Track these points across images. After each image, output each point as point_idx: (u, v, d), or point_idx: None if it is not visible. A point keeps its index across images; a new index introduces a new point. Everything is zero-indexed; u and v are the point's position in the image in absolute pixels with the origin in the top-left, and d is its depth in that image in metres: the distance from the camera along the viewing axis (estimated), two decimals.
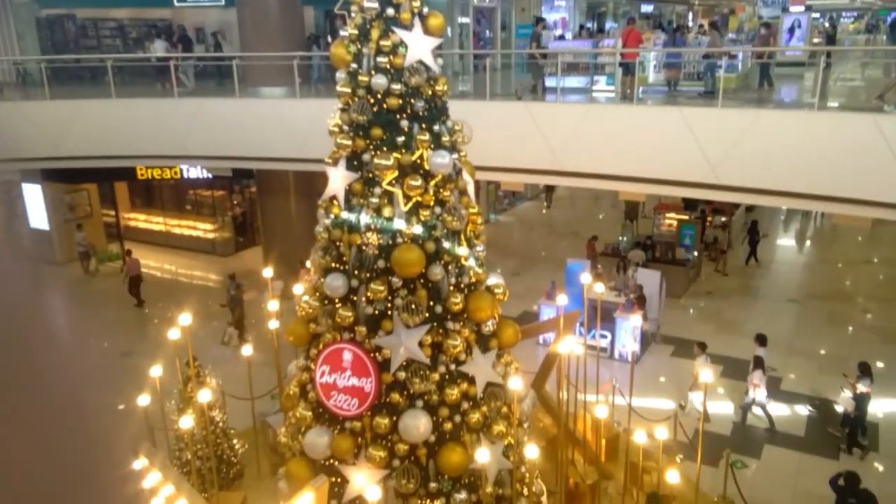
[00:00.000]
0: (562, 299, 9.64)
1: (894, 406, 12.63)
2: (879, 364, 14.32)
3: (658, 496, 6.74)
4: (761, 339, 12.38)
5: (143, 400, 8.50)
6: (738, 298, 18.25)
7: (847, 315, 17.02)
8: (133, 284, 18.39)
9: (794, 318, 16.90)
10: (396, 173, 7.08)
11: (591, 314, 11.11)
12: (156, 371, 8.48)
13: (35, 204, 21.41)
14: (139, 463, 5.96)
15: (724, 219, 22.59)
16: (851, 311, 17.30)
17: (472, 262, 7.61)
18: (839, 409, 11.59)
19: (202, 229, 23.02)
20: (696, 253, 19.79)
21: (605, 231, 22.77)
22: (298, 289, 8.87)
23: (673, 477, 7.43)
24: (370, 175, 7.16)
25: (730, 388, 13.31)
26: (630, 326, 14.34)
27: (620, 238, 20.75)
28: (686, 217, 21.71)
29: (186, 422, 7.74)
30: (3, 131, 15.75)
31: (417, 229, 7.14)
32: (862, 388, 11.06)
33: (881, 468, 10.84)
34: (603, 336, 14.47)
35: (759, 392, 11.68)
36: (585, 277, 10.31)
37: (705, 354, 12.30)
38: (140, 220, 24.23)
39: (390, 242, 7.14)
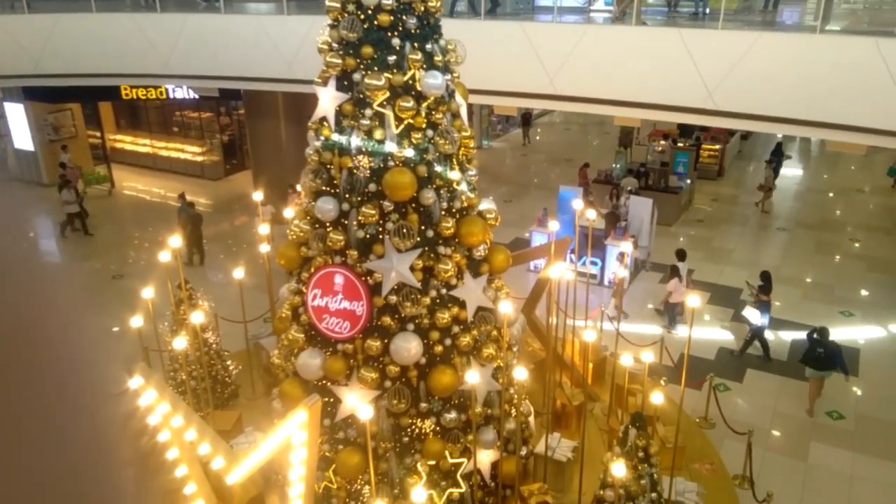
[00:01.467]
0: (553, 225, 9.64)
1: (876, 333, 12.91)
2: (864, 292, 14.57)
3: (642, 416, 6.93)
4: (681, 255, 13.31)
5: (137, 321, 8.55)
6: (728, 227, 18.33)
7: (835, 243, 17.17)
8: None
9: (783, 246, 17.04)
10: (388, 94, 6.90)
11: (582, 241, 11.15)
12: (148, 293, 8.50)
13: (18, 124, 20.94)
14: (135, 381, 6.04)
15: (717, 146, 22.43)
16: (840, 239, 17.44)
17: (463, 187, 7.54)
18: (747, 315, 12.08)
19: (190, 152, 22.67)
20: (689, 181, 19.73)
21: (599, 158, 22.61)
22: (289, 213, 8.81)
23: (657, 398, 7.62)
24: (361, 96, 6.98)
25: (716, 314, 13.53)
26: (619, 252, 14.42)
27: (614, 165, 20.61)
28: (681, 144, 21.54)
29: (180, 343, 7.81)
30: None
31: (409, 152, 7.03)
32: (763, 296, 12.01)
33: (859, 392, 11.17)
34: (593, 263, 14.57)
35: (674, 296, 12.56)
36: (577, 204, 10.28)
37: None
38: (126, 142, 23.81)
39: (381, 165, 7.04)
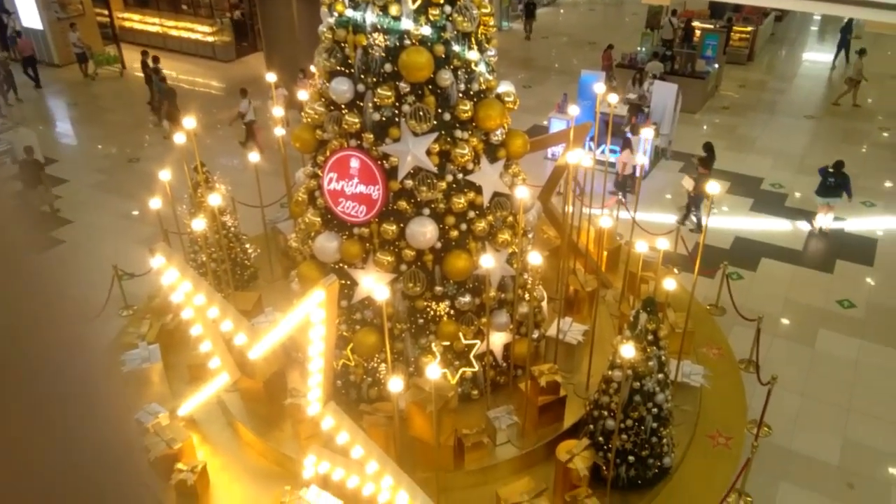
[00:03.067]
0: (573, 110, 9.37)
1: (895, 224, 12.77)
2: (888, 183, 14.29)
3: (653, 301, 7.02)
4: (634, 130, 13.91)
5: (155, 203, 8.62)
6: (755, 114, 17.78)
7: (863, 132, 16.66)
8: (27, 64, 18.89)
9: (810, 134, 16.57)
10: None
11: (603, 128, 10.88)
12: (165, 175, 8.51)
13: (24, 0, 20.31)
14: (157, 261, 6.17)
15: (750, 28, 21.35)
16: (869, 128, 16.91)
17: (482, 68, 7.29)
18: (684, 184, 12.51)
19: (201, 32, 22.00)
20: (717, 65, 18.96)
21: (625, 41, 21.66)
22: (303, 95, 8.62)
23: (669, 284, 7.69)
24: None
25: (735, 204, 13.40)
26: (640, 141, 14.12)
27: (639, 48, 19.77)
28: (710, 26, 20.53)
29: (199, 224, 7.91)
30: None
31: (426, 30, 6.75)
32: (702, 169, 12.44)
33: (872, 282, 11.20)
34: (612, 151, 14.31)
35: (629, 167, 13.03)
36: (599, 87, 9.94)
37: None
38: (135, 21, 23.10)
39: (398, 44, 6.79)
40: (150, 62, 17.41)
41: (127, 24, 23.01)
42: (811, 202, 13.39)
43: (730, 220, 12.87)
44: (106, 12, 21.41)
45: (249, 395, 7.81)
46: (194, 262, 9.33)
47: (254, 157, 9.69)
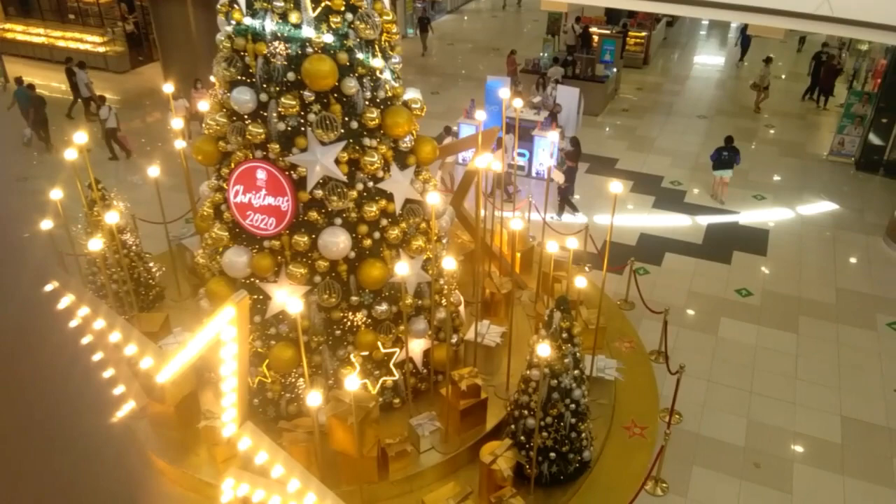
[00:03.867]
0: (480, 115, 9.50)
1: (785, 215, 13.65)
2: (776, 176, 15.26)
3: (566, 299, 7.20)
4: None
5: (46, 224, 8.10)
6: (652, 116, 18.60)
7: (752, 130, 17.73)
8: None
9: (703, 133, 17.48)
10: None
11: (510, 132, 11.10)
12: (56, 194, 8.01)
13: None
14: (49, 285, 5.78)
15: (644, 33, 22.35)
16: (756, 126, 18.01)
17: (387, 76, 7.27)
18: (554, 177, 12.79)
19: (91, 42, 20.93)
20: (615, 69, 19.71)
21: (528, 47, 22.20)
22: (204, 106, 8.33)
23: (580, 282, 7.91)
24: None
25: (638, 202, 13.95)
26: (547, 143, 14.49)
27: (541, 53, 20.31)
28: (607, 31, 21.34)
29: (96, 244, 7.48)
30: None
31: (328, 38, 6.67)
32: (569, 162, 13.18)
33: (767, 271, 11.91)
34: (521, 154, 14.60)
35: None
36: (504, 93, 10.13)
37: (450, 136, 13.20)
38: (17, 32, 21.72)
39: (300, 52, 6.68)
40: (74, 68, 17.26)
41: (9, 34, 21.60)
42: (709, 197, 14.12)
43: (634, 218, 13.38)
44: None
45: (160, 421, 7.45)
46: (93, 284, 8.84)
47: (153, 171, 9.27)
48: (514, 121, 10.30)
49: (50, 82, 20.04)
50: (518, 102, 10.24)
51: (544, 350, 6.53)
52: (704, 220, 13.33)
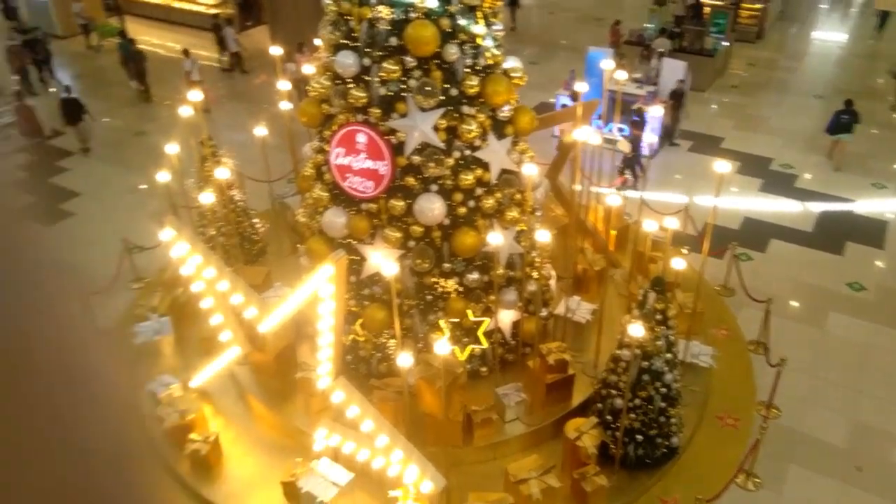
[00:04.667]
0: (580, 87, 9.26)
1: None
2: None
3: (662, 280, 7.00)
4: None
5: (163, 177, 8.57)
6: (764, 94, 17.60)
7: (873, 112, 16.46)
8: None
9: (820, 115, 16.38)
10: None
11: (610, 105, 10.76)
12: (172, 149, 8.45)
13: None
14: (167, 234, 6.14)
15: (759, 5, 21.06)
16: (880, 108, 16.72)
17: (488, 43, 7.19)
18: (620, 150, 12.71)
19: (204, 4, 21.77)
20: (726, 43, 18.72)
21: (633, 17, 21.38)
22: (308, 69, 8.53)
23: (678, 264, 7.66)
24: None
25: (744, 184, 13.31)
26: (650, 119, 13.99)
27: (647, 25, 19.52)
28: (720, 2, 20.23)
29: (207, 198, 7.87)
30: None
31: (431, 3, 6.65)
32: (636, 131, 13.07)
33: (883, 265, 11.15)
34: (620, 129, 14.19)
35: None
36: (607, 64, 9.82)
37: None
38: None
39: (403, 17, 6.70)
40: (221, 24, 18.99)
41: None
42: (823, 183, 13.29)
43: (739, 201, 12.79)
44: None
45: (261, 369, 7.84)
46: (203, 236, 9.31)
47: (260, 131, 9.58)
48: (616, 94, 9.99)
49: (165, 42, 21.05)
50: (621, 74, 9.91)
51: (637, 330, 6.39)
52: (816, 207, 12.58)
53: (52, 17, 20.56)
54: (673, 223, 8.21)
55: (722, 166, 7.70)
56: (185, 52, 16.36)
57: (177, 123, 9.80)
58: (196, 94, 8.29)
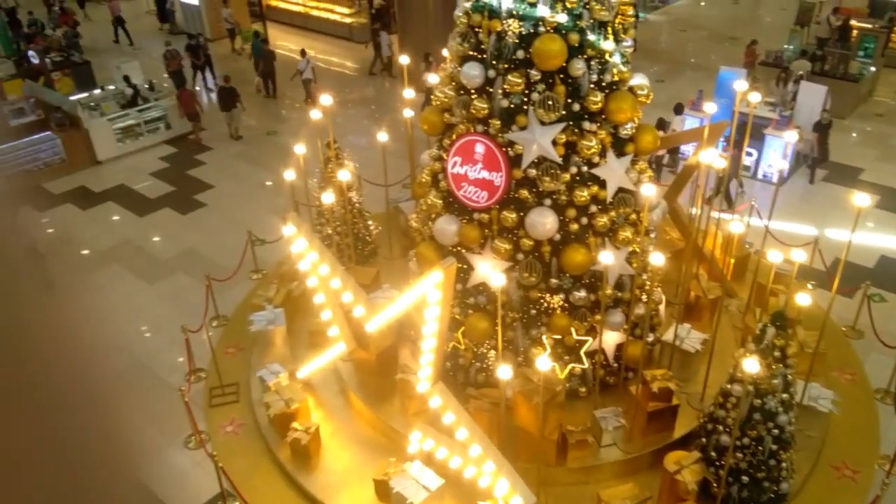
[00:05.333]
0: (710, 107, 8.92)
1: None
2: None
3: (783, 315, 6.60)
4: (677, 109, 14.46)
5: (289, 175, 9.04)
6: None
7: None
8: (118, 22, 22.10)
9: None
10: None
11: (739, 128, 10.29)
12: (300, 149, 8.90)
13: None
14: (288, 229, 6.48)
15: None
16: None
17: (616, 59, 7.09)
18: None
19: (339, 13, 22.79)
20: (873, 68, 17.44)
21: (771, 38, 20.36)
22: (434, 78, 8.73)
23: (803, 299, 7.20)
24: None
25: (883, 220, 12.34)
26: (781, 144, 13.26)
27: (786, 45, 18.53)
28: (868, 26, 18.89)
29: (328, 198, 8.23)
30: None
31: (562, 17, 6.64)
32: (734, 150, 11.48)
33: None
34: (748, 153, 13.55)
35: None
36: (740, 85, 9.40)
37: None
38: (280, 0, 24.26)
39: (532, 31, 6.72)
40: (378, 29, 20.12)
41: (273, 2, 24.21)
42: None
43: (875, 237, 11.87)
44: None
45: (363, 367, 8.08)
46: (320, 233, 9.73)
47: (381, 136, 9.92)
48: (748, 116, 9.52)
49: (301, 46, 22.19)
50: (755, 97, 9.46)
51: (751, 366, 6.06)
52: None
53: (203, 20, 22.21)
54: (800, 255, 7.73)
55: (861, 199, 7.18)
56: (302, 52, 17.72)
57: (305, 125, 10.32)
58: (326, 98, 8.69)
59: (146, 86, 17.48)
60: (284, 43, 22.54)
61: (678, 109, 14.45)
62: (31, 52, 19.45)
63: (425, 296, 5.99)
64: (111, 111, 16.80)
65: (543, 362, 6.02)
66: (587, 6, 6.68)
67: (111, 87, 17.55)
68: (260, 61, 18.26)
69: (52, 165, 15.95)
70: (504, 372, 6.12)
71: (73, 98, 17.22)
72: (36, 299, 0.65)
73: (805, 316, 8.34)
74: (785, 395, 6.56)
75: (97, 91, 17.74)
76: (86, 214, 14.61)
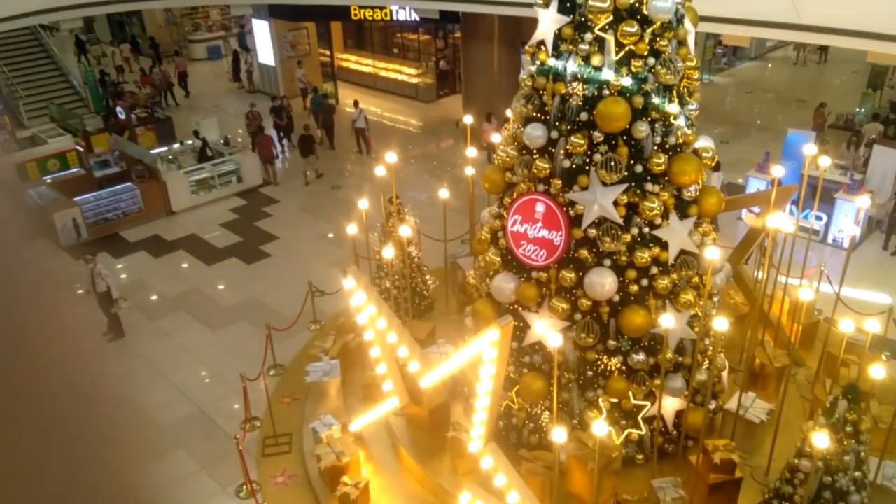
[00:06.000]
0: (777, 170, 8.77)
1: None
2: None
3: (856, 387, 6.28)
4: (716, 166, 13.63)
5: (352, 229, 9.28)
6: None
7: None
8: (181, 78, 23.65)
9: None
10: (611, 17, 6.59)
11: (808, 192, 10.06)
12: (363, 204, 9.15)
13: (263, 40, 23.12)
14: (348, 282, 6.62)
15: None
16: None
17: (681, 121, 7.09)
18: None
19: (407, 74, 23.60)
20: None
21: (840, 101, 19.97)
22: (496, 137, 8.90)
23: (877, 372, 6.84)
24: (582, 18, 6.74)
25: None
26: (852, 209, 12.84)
27: (858, 109, 18.14)
28: None
29: (388, 252, 8.39)
30: None
31: (626, 81, 6.71)
32: None
33: None
34: (818, 218, 13.17)
35: None
36: (809, 148, 9.22)
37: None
38: (351, 62, 25.33)
39: (596, 94, 6.82)
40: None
41: (344, 63, 25.30)
42: None
43: None
44: (328, 52, 23.70)
45: (415, 423, 8.05)
46: (378, 286, 9.88)
47: (443, 192, 10.09)
48: (817, 180, 9.31)
49: (370, 106, 23.01)
50: (825, 161, 9.26)
51: (821, 440, 5.77)
52: None
53: (279, 80, 23.35)
54: (874, 325, 7.39)
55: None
56: (355, 103, 18.73)
57: (368, 180, 10.62)
58: (391, 156, 8.95)
59: (221, 141, 18.38)
60: (349, 100, 23.42)
61: (716, 166, 14.23)
62: (118, 108, 20.80)
63: (481, 354, 5.98)
64: (188, 164, 17.68)
65: (600, 426, 5.88)
66: (652, 70, 6.75)
67: (189, 142, 18.52)
68: (320, 115, 19.41)
69: (131, 214, 16.82)
70: (558, 435, 6.00)
71: (153, 151, 18.23)
72: (34, 286, 0.68)
73: (879, 389, 7.91)
74: (857, 474, 6.19)
75: (176, 145, 18.74)
76: (158, 262, 15.26)
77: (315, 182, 17.29)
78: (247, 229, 15.51)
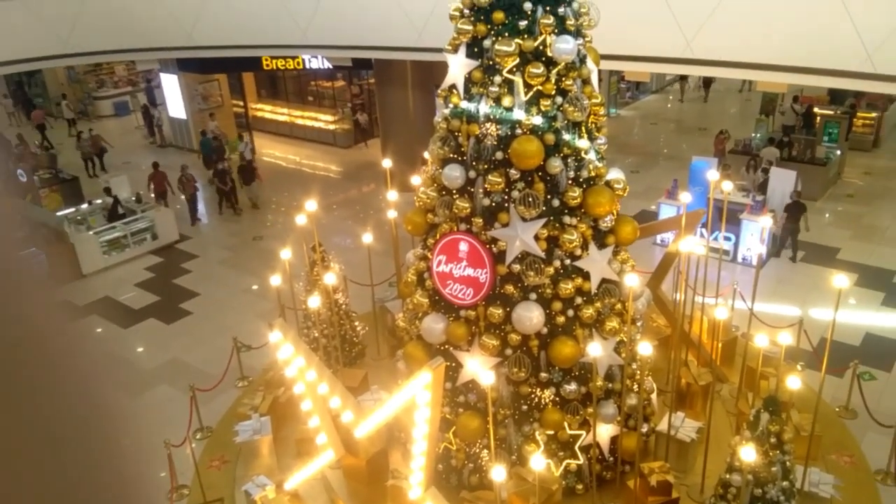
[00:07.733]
0: (685, 197, 9.21)
1: None
2: None
3: (776, 400, 6.56)
4: None
5: (275, 280, 9.10)
6: (883, 203, 16.74)
7: None
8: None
9: None
10: (517, 60, 6.83)
11: (715, 215, 10.58)
12: (286, 254, 9.00)
13: (173, 93, 22.63)
14: (274, 335, 6.46)
15: (874, 114, 20.43)
16: None
17: (592, 156, 7.37)
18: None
19: (323, 121, 23.60)
20: (839, 152, 18.15)
21: (738, 127, 21.24)
22: (416, 180, 8.99)
23: (794, 383, 7.18)
24: (490, 62, 6.96)
25: (863, 298, 12.49)
26: (757, 228, 13.58)
27: (753, 134, 19.32)
28: (830, 112, 19.82)
29: (314, 301, 8.25)
30: (143, 22, 16.57)
31: (537, 120, 6.94)
32: None
33: None
34: (727, 238, 13.83)
35: None
36: (712, 174, 9.74)
37: None
38: (266, 111, 25.11)
39: (509, 133, 7.01)
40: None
41: (259, 113, 25.05)
42: None
43: (859, 315, 11.97)
44: (241, 103, 23.44)
45: (352, 474, 7.84)
46: (307, 336, 9.68)
47: (366, 237, 10.05)
48: (723, 203, 9.83)
49: (287, 154, 22.80)
50: (728, 185, 9.80)
51: (748, 454, 5.98)
52: None
53: (191, 133, 22.85)
54: (786, 338, 7.78)
55: (841, 280, 7.32)
56: (240, 136, 20.01)
57: (290, 229, 10.47)
58: (311, 204, 8.88)
59: (133, 198, 17.75)
60: (271, 151, 23.17)
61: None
62: (20, 171, 19.82)
63: (414, 398, 5.92)
64: (98, 224, 16.96)
65: (538, 461, 5.90)
66: (561, 108, 7.00)
67: (98, 202, 17.80)
68: (213, 156, 19.41)
69: None
70: (498, 473, 5.97)
71: (59, 214, 17.40)
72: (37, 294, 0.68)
73: (797, 398, 8.30)
74: (785, 483, 6.44)
75: (84, 205, 17.96)
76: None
77: (234, 236, 16.93)
78: (164, 287, 14.94)
